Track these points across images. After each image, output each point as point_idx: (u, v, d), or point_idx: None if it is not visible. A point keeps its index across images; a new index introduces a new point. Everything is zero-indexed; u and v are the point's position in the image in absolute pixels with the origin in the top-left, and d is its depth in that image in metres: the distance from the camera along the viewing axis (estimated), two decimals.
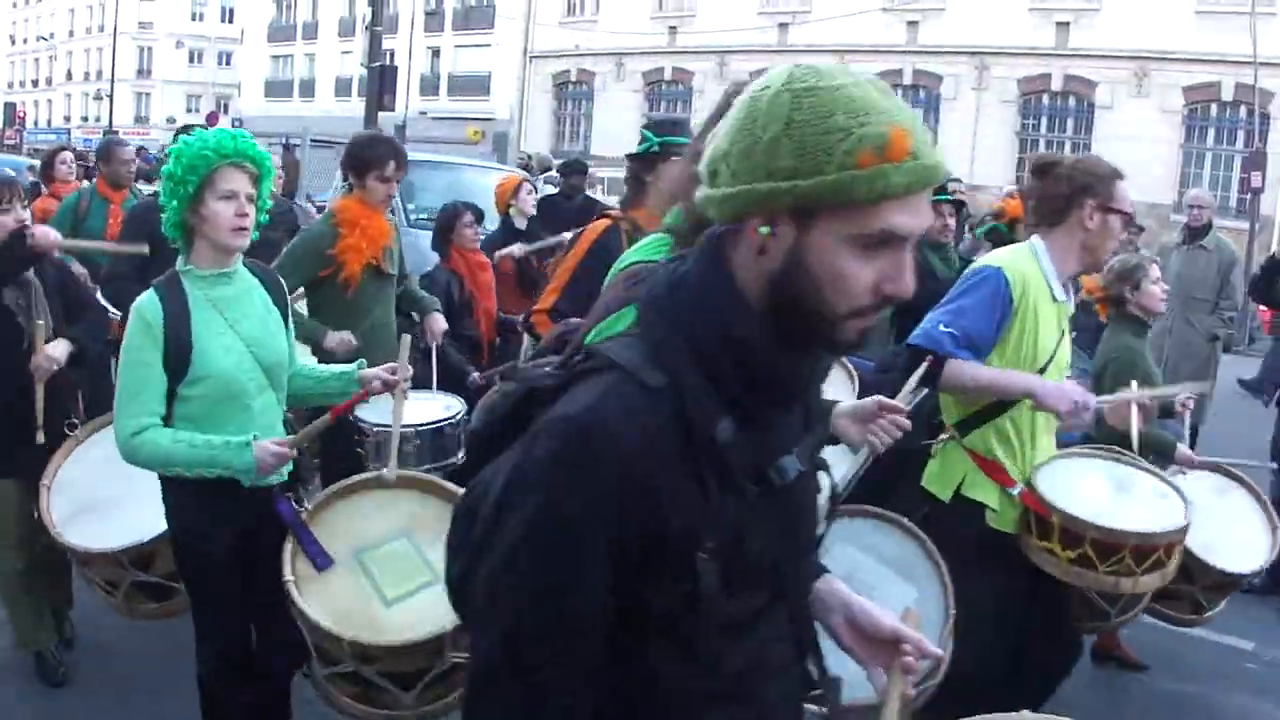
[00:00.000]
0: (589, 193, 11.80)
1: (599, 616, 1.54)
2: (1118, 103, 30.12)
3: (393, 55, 35.73)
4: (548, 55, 43.09)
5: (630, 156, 4.25)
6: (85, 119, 69.46)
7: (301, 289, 5.17)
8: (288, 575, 3.21)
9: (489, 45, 45.58)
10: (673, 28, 39.23)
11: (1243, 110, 28.37)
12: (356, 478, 3.59)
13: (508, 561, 1.53)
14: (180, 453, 3.18)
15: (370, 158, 5.17)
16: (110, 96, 55.83)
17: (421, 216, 11.69)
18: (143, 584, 3.89)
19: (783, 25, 36.36)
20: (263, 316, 3.44)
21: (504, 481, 1.59)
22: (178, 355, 3.21)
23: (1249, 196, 26.11)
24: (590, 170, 12.71)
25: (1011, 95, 31.97)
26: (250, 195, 3.29)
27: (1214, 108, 29.51)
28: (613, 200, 13.62)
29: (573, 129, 42.94)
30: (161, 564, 3.80)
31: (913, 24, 33.81)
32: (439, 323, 5.80)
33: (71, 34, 75.00)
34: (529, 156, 23.68)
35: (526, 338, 7.03)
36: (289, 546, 3.29)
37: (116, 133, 48.83)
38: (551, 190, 11.83)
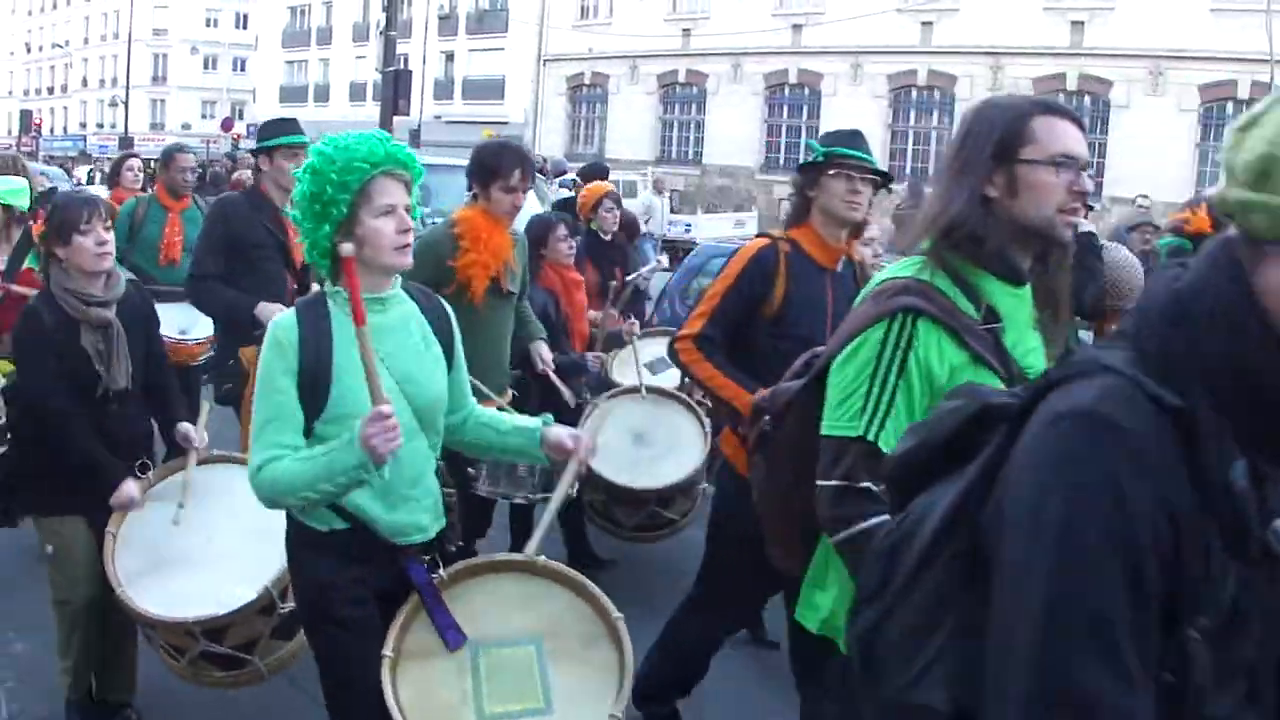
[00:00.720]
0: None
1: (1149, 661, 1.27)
2: (1133, 102, 29.98)
3: (407, 60, 35.83)
4: (561, 59, 43.12)
5: (798, 169, 4.08)
6: (101, 126, 69.76)
7: None
8: (387, 650, 2.78)
9: (503, 49, 45.61)
10: (686, 30, 39.21)
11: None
12: (511, 556, 3.07)
13: (1042, 605, 1.27)
14: (301, 472, 2.72)
15: (495, 166, 4.85)
16: (125, 103, 56.02)
17: (436, 220, 11.74)
18: (213, 654, 3.58)
19: (796, 27, 36.31)
20: (419, 350, 2.98)
21: (949, 513, 1.43)
22: (314, 387, 2.80)
23: None
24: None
25: (1027, 95, 31.85)
26: (409, 205, 2.87)
27: (1230, 106, 29.33)
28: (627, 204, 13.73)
29: (587, 132, 42.95)
30: (236, 634, 3.53)
31: (927, 24, 33.73)
32: (546, 349, 5.51)
33: (86, 41, 75.32)
34: (544, 160, 23.70)
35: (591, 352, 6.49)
36: (402, 614, 2.85)
37: (132, 139, 49.11)
38: (567, 193, 11.86)
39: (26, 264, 5.50)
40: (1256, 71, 26.73)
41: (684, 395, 5.98)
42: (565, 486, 3.02)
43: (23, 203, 5.52)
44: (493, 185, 4.85)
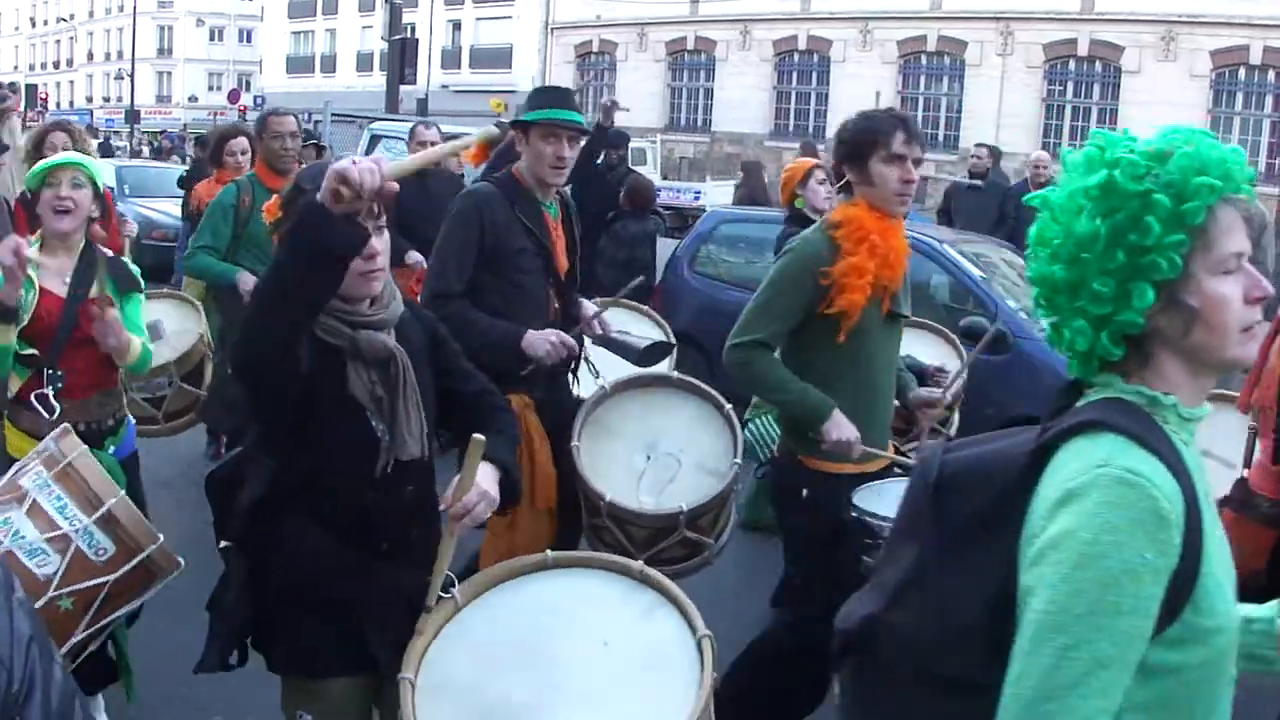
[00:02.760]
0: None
1: None
2: (1144, 67, 29.75)
3: (413, 29, 35.65)
4: (569, 26, 42.88)
5: None
6: (107, 99, 69.65)
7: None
8: None
9: (510, 17, 45.41)
10: None
11: (1271, 74, 28.02)
12: None
13: None
14: None
15: (867, 133, 3.61)
16: (131, 76, 55.85)
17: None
18: None
19: None
20: None
21: None
22: (1176, 593, 1.53)
23: (1279, 161, 25.84)
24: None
25: (1037, 61, 31.63)
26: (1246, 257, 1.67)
27: (1242, 71, 29.13)
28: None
29: (595, 100, 42.80)
30: None
31: None
32: (927, 394, 4.24)
33: (91, 14, 75.10)
34: None
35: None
36: None
37: (138, 113, 48.53)
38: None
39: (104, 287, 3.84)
40: (1269, 36, 26.55)
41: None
42: None
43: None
44: (871, 158, 3.59)
